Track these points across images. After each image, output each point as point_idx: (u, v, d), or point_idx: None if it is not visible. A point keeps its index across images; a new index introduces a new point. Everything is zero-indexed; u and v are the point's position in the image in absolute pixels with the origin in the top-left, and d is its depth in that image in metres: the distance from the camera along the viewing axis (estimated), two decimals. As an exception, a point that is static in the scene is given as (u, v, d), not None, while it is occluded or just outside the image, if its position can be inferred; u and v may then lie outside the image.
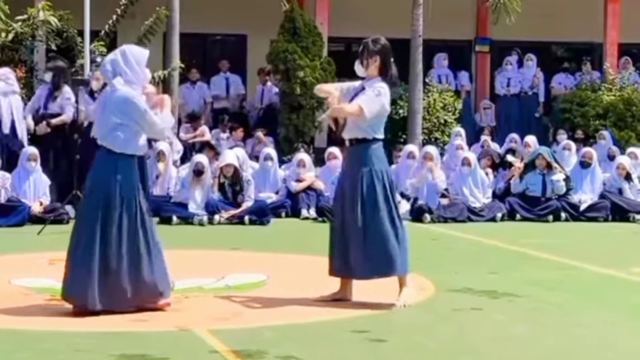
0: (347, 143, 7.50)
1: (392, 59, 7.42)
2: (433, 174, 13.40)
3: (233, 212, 12.66)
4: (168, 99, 7.22)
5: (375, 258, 7.25)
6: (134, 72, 6.92)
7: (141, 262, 6.87)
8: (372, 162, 7.31)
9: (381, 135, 7.44)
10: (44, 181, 12.44)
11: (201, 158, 13.05)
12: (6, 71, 13.19)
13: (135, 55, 6.97)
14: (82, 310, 6.81)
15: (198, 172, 12.69)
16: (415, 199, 13.45)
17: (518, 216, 13.42)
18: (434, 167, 13.47)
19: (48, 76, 13.62)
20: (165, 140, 12.57)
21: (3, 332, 6.44)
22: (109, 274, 6.79)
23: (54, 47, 14.90)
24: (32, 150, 12.54)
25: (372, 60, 7.36)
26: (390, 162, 14.63)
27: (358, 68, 7.47)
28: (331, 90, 7.56)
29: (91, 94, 12.80)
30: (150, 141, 13.37)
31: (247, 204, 12.80)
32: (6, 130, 12.83)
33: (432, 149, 13.96)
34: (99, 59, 13.78)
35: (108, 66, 6.93)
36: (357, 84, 7.50)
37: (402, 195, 13.99)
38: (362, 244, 7.25)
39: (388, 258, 7.26)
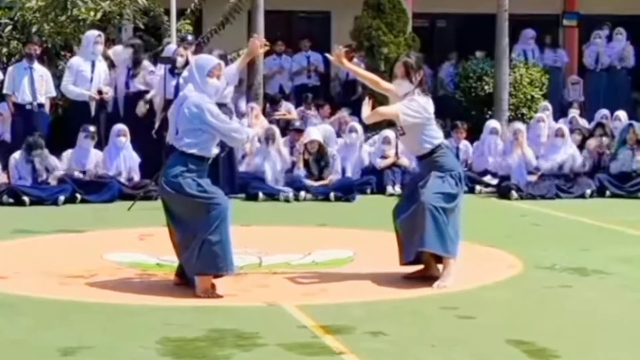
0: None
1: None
2: (523, 150, 13.33)
3: (321, 182, 12.80)
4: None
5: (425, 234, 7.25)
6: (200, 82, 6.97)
7: None
8: (443, 169, 7.34)
9: (438, 141, 7.43)
10: (134, 158, 12.57)
11: (273, 126, 13.32)
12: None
13: (199, 65, 7.04)
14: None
15: (267, 138, 12.99)
16: (502, 177, 13.34)
17: (608, 193, 13.19)
18: (524, 144, 13.40)
19: (127, 52, 13.50)
20: (239, 145, 12.50)
21: (97, 305, 6.58)
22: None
23: (141, 26, 15.04)
24: (121, 126, 12.66)
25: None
26: (477, 139, 14.56)
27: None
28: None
29: (172, 71, 12.75)
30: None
31: (334, 177, 12.91)
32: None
33: (520, 125, 13.90)
34: (189, 37, 13.85)
35: (184, 73, 7.17)
36: None
37: (487, 172, 13.88)
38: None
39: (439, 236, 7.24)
